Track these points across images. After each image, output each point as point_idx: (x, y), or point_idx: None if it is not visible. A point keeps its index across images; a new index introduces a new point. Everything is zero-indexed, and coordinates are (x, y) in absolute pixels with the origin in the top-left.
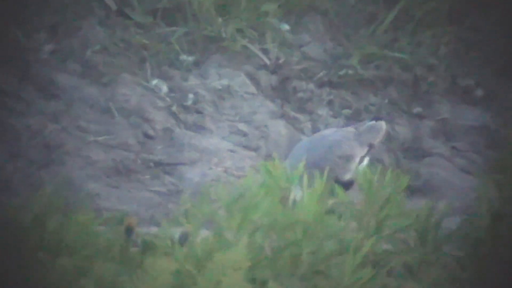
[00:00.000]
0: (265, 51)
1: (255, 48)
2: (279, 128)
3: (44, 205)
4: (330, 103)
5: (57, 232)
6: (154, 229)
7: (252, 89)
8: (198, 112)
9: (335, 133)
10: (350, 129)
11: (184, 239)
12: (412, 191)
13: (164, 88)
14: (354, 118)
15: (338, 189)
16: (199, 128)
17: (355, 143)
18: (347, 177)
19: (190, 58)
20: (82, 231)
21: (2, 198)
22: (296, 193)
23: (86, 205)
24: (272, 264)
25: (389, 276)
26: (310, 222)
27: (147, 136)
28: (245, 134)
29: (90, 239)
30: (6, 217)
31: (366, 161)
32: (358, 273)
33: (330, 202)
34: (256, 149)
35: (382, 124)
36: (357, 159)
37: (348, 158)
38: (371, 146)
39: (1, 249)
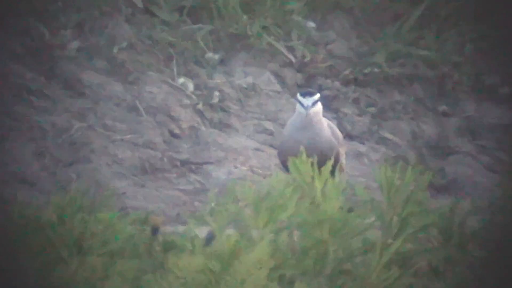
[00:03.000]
0: (291, 49)
1: (280, 46)
2: None
3: (69, 203)
4: (355, 101)
5: (82, 230)
6: (180, 228)
7: (278, 87)
8: (224, 110)
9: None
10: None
11: (210, 238)
12: (437, 189)
13: (190, 86)
14: (380, 116)
15: (358, 188)
16: (224, 126)
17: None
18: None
19: (216, 56)
20: (107, 229)
21: (29, 195)
22: None
23: (112, 204)
24: (299, 263)
25: (414, 276)
26: (336, 220)
27: (173, 134)
28: (270, 133)
29: (115, 238)
30: (32, 214)
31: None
32: (384, 273)
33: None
34: None
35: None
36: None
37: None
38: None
39: (26, 246)
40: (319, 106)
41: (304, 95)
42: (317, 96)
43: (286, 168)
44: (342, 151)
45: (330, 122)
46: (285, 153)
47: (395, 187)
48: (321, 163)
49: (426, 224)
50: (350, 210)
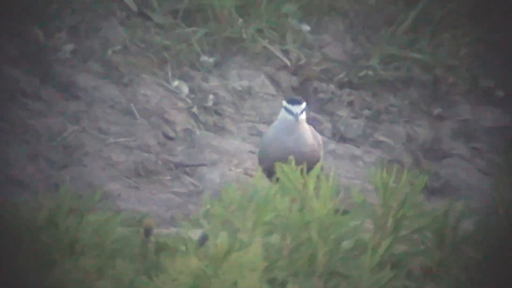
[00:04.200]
0: (286, 52)
1: (275, 49)
2: None
3: (60, 205)
4: (350, 104)
5: (74, 232)
6: (174, 230)
7: (273, 90)
8: (218, 113)
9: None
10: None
11: (203, 240)
12: (431, 191)
13: (185, 89)
14: (374, 119)
15: (353, 190)
16: (219, 129)
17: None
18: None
19: (211, 59)
20: (100, 231)
21: (22, 198)
22: None
23: (105, 206)
24: (289, 265)
25: (408, 278)
26: (324, 222)
27: (167, 137)
28: None
29: (108, 239)
30: (23, 216)
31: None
32: (377, 274)
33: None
34: None
35: None
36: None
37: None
38: None
39: (19, 249)
40: (304, 116)
41: (292, 103)
42: (305, 104)
43: (269, 174)
44: (322, 154)
45: (309, 127)
46: (269, 159)
47: (390, 189)
48: (306, 167)
49: (420, 226)
50: (345, 212)
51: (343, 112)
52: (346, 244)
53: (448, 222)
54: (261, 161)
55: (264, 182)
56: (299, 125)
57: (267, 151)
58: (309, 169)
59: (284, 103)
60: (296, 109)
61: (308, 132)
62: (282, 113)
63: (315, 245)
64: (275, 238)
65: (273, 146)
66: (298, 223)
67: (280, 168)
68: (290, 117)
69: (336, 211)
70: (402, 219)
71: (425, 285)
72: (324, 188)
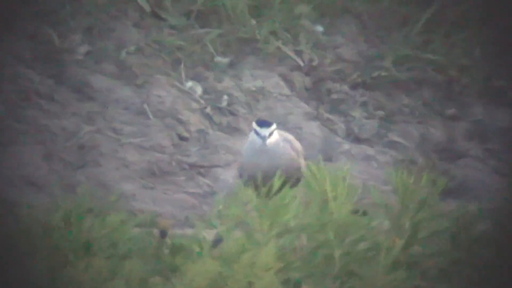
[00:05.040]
0: (299, 53)
1: (289, 50)
2: (313, 130)
3: (76, 205)
4: (364, 104)
5: (89, 233)
6: (188, 231)
7: (286, 90)
8: (232, 113)
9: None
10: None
11: (218, 241)
12: (445, 192)
13: (199, 90)
14: (388, 119)
15: (373, 191)
16: (233, 129)
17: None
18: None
19: (224, 60)
20: (115, 232)
21: (37, 199)
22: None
23: (120, 206)
24: (305, 266)
25: (422, 278)
26: (341, 223)
27: (181, 138)
28: None
29: (123, 240)
30: (40, 217)
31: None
32: (391, 275)
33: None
34: None
35: None
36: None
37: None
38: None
39: (34, 249)
40: (275, 136)
41: (261, 125)
42: (274, 127)
43: (254, 187)
44: (303, 162)
45: (287, 135)
46: (246, 177)
47: (409, 191)
48: (286, 180)
49: (437, 228)
50: (364, 213)
51: (357, 113)
52: (362, 245)
53: (462, 223)
54: (240, 177)
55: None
56: (271, 144)
57: (243, 169)
58: (289, 177)
59: (254, 124)
60: (264, 131)
61: (278, 146)
62: (252, 135)
63: (331, 246)
64: (291, 239)
65: (247, 164)
66: (315, 224)
67: (309, 168)
68: (258, 140)
69: (355, 211)
70: (420, 220)
71: (439, 285)
72: (341, 189)
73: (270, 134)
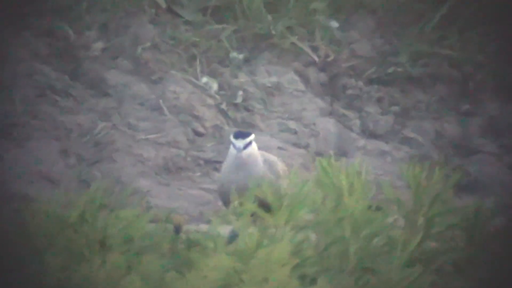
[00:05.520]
0: (314, 49)
1: (304, 46)
2: (328, 126)
3: (92, 201)
4: (379, 100)
5: (105, 229)
6: (203, 226)
7: (301, 86)
8: (247, 109)
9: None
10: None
11: (233, 237)
12: (460, 188)
13: (214, 86)
14: (403, 115)
15: (385, 187)
16: (248, 125)
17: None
18: None
19: (240, 56)
20: (130, 227)
21: (53, 194)
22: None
23: (135, 202)
24: (320, 261)
25: (437, 274)
26: (357, 218)
27: (197, 133)
28: (294, 132)
29: (138, 236)
30: (55, 212)
31: None
32: (406, 271)
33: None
34: (305, 147)
35: None
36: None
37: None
38: None
39: (50, 244)
40: (253, 147)
41: (236, 136)
42: (250, 137)
43: (225, 204)
44: (285, 183)
45: (271, 158)
46: (222, 194)
47: (422, 186)
48: (260, 200)
49: (452, 223)
50: (378, 208)
51: (372, 109)
52: (378, 240)
53: (478, 219)
54: (218, 195)
55: (298, 178)
56: (245, 159)
57: (220, 186)
58: (263, 198)
59: (230, 137)
60: (239, 143)
61: (257, 164)
62: (230, 148)
63: (347, 242)
64: (307, 234)
65: (224, 181)
66: (331, 220)
67: (319, 163)
68: (234, 151)
69: (369, 207)
70: (434, 216)
71: (455, 282)
72: (357, 185)
73: (246, 145)
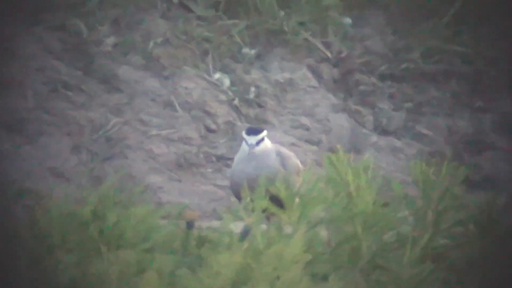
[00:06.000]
0: (327, 45)
1: (317, 42)
2: (341, 122)
3: (105, 198)
4: (391, 96)
5: (118, 225)
6: (216, 223)
7: (314, 82)
8: (260, 105)
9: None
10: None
11: (245, 234)
12: (472, 184)
13: (226, 82)
14: (416, 111)
15: (394, 183)
16: (260, 121)
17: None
18: None
19: (252, 51)
20: (142, 224)
21: (65, 190)
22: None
23: (147, 198)
24: (332, 258)
25: (449, 270)
26: (369, 214)
27: (209, 129)
28: (307, 128)
29: (151, 232)
30: (68, 209)
31: None
32: (417, 267)
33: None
34: (318, 143)
35: None
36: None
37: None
38: None
39: (63, 241)
40: (265, 143)
41: (249, 133)
42: (263, 134)
43: (238, 198)
44: (296, 179)
45: (285, 152)
46: (234, 185)
47: (430, 182)
48: (270, 194)
49: (461, 219)
50: (384, 204)
51: (385, 105)
52: (389, 237)
53: (490, 215)
54: (230, 187)
55: (311, 175)
56: (260, 154)
57: (232, 178)
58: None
59: (243, 133)
60: (251, 139)
61: (269, 157)
62: (243, 144)
63: (359, 238)
64: (318, 231)
65: (235, 172)
66: (343, 216)
67: (328, 159)
68: (246, 147)
69: (379, 204)
70: (443, 211)
71: (466, 278)
72: (366, 181)
73: (258, 142)
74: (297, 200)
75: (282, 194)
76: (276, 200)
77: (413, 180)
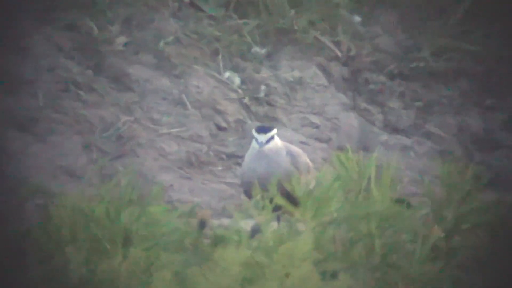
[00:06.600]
0: (337, 43)
1: (326, 40)
2: (351, 120)
3: (116, 196)
4: (401, 95)
5: (130, 223)
6: (226, 221)
7: (324, 81)
8: (270, 104)
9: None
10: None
11: (255, 232)
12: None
13: (237, 80)
14: (425, 110)
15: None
16: (270, 120)
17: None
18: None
19: (262, 50)
20: (154, 222)
21: (76, 188)
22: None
23: (159, 197)
24: (344, 256)
25: (459, 269)
26: (383, 213)
27: (219, 128)
28: (316, 126)
29: (162, 231)
30: (79, 207)
31: None
32: (427, 266)
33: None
34: (327, 141)
35: None
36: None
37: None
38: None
39: (74, 239)
40: (275, 141)
41: (259, 131)
42: (273, 132)
43: (248, 196)
44: (307, 177)
45: (295, 150)
46: (244, 184)
47: (454, 182)
48: (281, 192)
49: (480, 221)
50: (408, 205)
51: (394, 103)
52: (403, 235)
53: (501, 215)
54: (241, 185)
55: (327, 174)
56: (270, 152)
57: (242, 177)
58: (284, 192)
59: (253, 131)
60: (261, 137)
61: (279, 155)
62: (253, 142)
63: (372, 237)
64: (330, 229)
65: (246, 171)
66: (356, 215)
67: (337, 158)
68: (256, 145)
69: (398, 201)
70: (464, 212)
71: (477, 277)
72: (383, 179)
73: (268, 140)
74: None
75: (297, 192)
76: (287, 198)
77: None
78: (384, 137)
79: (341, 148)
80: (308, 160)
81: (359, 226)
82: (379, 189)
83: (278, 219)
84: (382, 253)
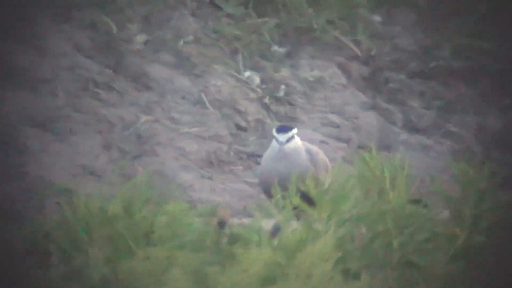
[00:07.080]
0: (357, 42)
1: (346, 40)
2: (371, 119)
3: (135, 195)
4: (421, 94)
5: (149, 222)
6: (246, 220)
7: (344, 80)
8: (290, 103)
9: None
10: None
11: (276, 231)
12: (502, 183)
13: (256, 79)
14: (445, 109)
15: (435, 180)
16: (290, 119)
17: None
18: None
19: (282, 49)
20: (174, 222)
21: (96, 188)
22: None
23: (179, 196)
24: (363, 255)
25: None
26: (400, 212)
27: (239, 127)
28: (336, 126)
29: (182, 230)
30: (99, 206)
31: None
32: (450, 266)
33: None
34: (347, 141)
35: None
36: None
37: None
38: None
39: (93, 238)
40: (295, 141)
41: (279, 131)
42: (293, 132)
43: (268, 195)
44: (323, 174)
45: (312, 148)
46: (264, 183)
47: (470, 181)
48: (301, 191)
49: (499, 220)
50: (417, 201)
51: (414, 102)
52: (422, 235)
53: None
54: (259, 184)
55: (342, 172)
56: (290, 151)
57: (262, 176)
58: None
59: (273, 130)
60: (282, 137)
61: (299, 154)
62: (273, 141)
63: (390, 236)
64: (350, 228)
65: (265, 170)
66: (374, 214)
67: (361, 157)
68: (277, 145)
69: (415, 201)
70: (482, 211)
71: (498, 277)
72: (400, 178)
73: (289, 139)
74: (327, 196)
75: (312, 191)
76: (307, 198)
77: (451, 179)
78: (404, 136)
79: (361, 148)
80: (326, 158)
81: (376, 224)
82: (397, 189)
83: (298, 218)
84: (401, 252)
